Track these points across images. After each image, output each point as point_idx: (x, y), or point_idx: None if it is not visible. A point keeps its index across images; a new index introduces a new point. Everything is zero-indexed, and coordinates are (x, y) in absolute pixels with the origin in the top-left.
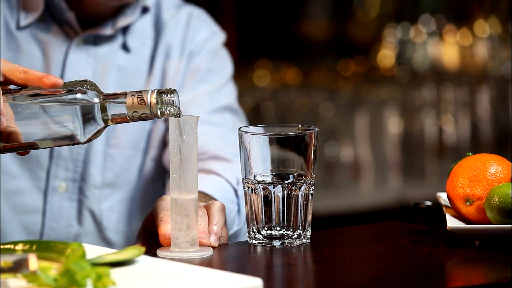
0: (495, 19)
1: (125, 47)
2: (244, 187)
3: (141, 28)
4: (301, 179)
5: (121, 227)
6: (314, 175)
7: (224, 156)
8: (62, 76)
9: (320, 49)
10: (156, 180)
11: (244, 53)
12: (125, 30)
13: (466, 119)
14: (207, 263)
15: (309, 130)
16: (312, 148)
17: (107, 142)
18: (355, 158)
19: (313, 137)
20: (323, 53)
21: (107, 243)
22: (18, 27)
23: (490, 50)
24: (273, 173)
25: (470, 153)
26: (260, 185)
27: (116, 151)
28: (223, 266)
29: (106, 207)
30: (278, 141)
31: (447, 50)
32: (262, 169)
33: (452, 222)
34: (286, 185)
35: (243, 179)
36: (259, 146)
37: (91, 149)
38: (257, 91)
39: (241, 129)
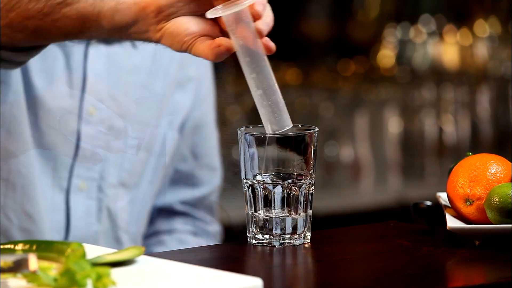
0: (495, 19)
1: (132, 44)
2: (244, 187)
3: None
4: (301, 179)
5: (130, 228)
6: (314, 175)
7: None
8: (84, 76)
9: (320, 49)
10: (164, 188)
11: None
12: None
13: (466, 119)
14: (207, 263)
15: (309, 130)
16: (312, 148)
17: (126, 142)
18: (355, 158)
19: (313, 137)
20: (323, 53)
21: (118, 242)
22: None
23: (490, 50)
24: (273, 173)
25: (470, 153)
26: (260, 185)
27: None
28: (223, 266)
29: (120, 206)
30: (278, 141)
31: (447, 50)
32: (262, 169)
33: (452, 222)
34: (286, 185)
35: (243, 179)
36: (259, 146)
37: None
38: None
39: (241, 129)
